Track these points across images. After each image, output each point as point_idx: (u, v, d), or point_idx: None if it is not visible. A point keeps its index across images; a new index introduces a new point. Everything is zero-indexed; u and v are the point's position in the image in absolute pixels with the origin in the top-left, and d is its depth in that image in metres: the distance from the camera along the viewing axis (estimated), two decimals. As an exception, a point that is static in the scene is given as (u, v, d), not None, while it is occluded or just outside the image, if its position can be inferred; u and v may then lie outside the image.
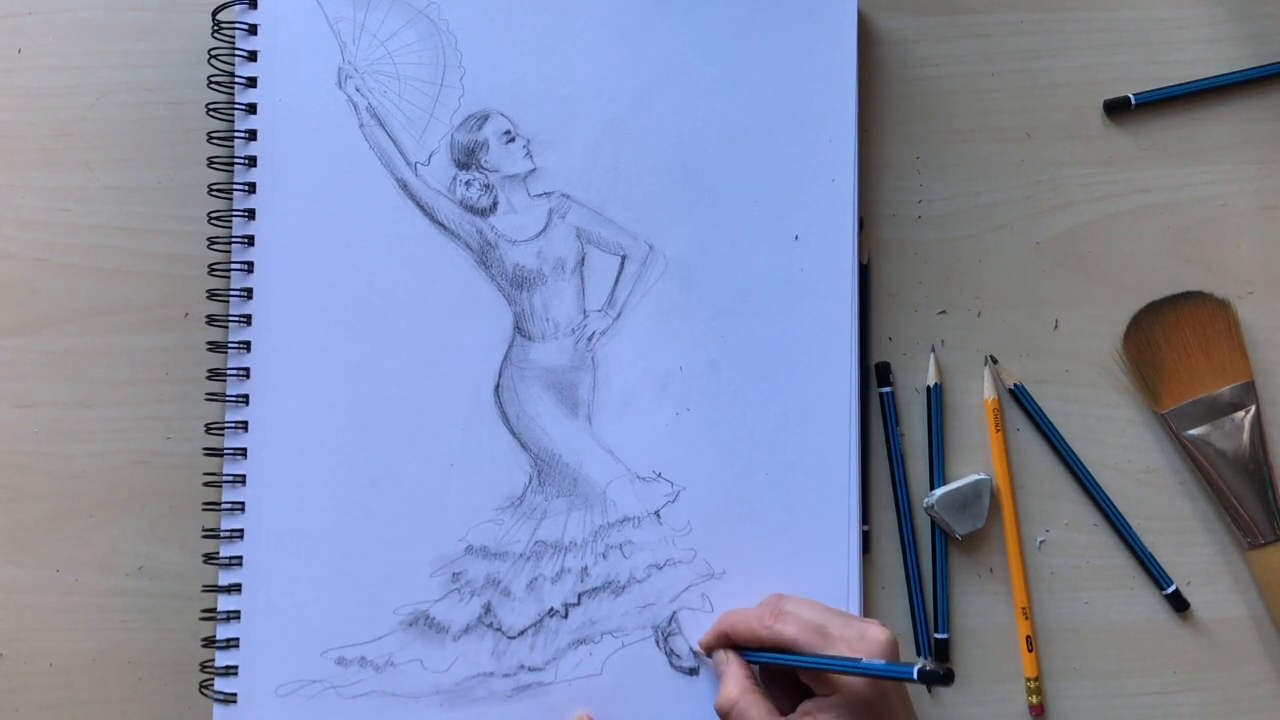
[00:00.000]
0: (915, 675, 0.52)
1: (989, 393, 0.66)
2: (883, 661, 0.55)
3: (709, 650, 0.62)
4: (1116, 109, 0.67)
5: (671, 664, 0.64)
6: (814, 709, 0.56)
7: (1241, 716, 0.65)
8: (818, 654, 0.56)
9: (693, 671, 0.64)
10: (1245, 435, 0.65)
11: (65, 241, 0.67)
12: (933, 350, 0.67)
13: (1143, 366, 0.66)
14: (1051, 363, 0.67)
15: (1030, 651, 0.65)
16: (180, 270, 0.66)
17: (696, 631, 0.64)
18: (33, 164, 0.67)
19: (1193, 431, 0.65)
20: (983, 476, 0.65)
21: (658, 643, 0.64)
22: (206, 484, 0.65)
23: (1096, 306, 0.67)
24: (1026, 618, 0.65)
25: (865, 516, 0.65)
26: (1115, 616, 0.66)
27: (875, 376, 0.66)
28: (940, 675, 0.51)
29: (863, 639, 0.56)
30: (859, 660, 0.55)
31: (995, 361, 0.66)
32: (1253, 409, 0.65)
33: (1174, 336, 0.65)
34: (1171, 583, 0.65)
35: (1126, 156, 0.68)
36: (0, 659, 0.65)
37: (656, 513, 0.64)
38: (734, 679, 0.59)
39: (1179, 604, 0.65)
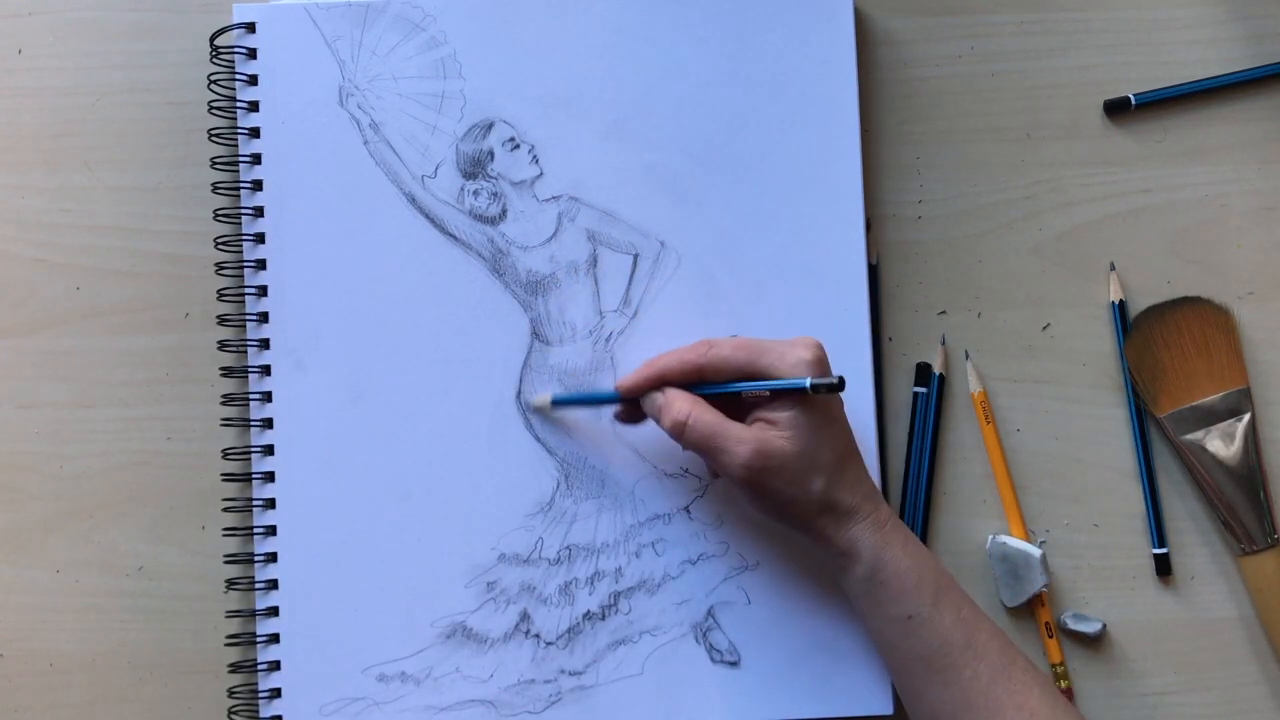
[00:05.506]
0: (808, 387, 0.56)
1: (974, 386, 0.66)
2: (806, 378, 0.57)
3: (638, 393, 0.60)
4: (1116, 109, 0.67)
5: (712, 659, 0.64)
6: (766, 411, 0.57)
7: (1241, 717, 0.65)
8: (752, 370, 0.58)
9: (734, 665, 0.64)
10: (1240, 442, 0.65)
11: (65, 241, 0.66)
12: (942, 342, 0.67)
13: (1142, 369, 0.66)
14: (1051, 363, 0.67)
15: (1050, 638, 0.65)
16: (180, 270, 0.66)
17: (735, 625, 0.64)
18: (33, 164, 0.67)
19: (1189, 436, 0.65)
20: (1036, 551, 0.64)
21: (696, 638, 0.64)
22: (227, 508, 0.65)
23: (1096, 307, 0.67)
24: (1044, 604, 0.65)
25: None
26: (1115, 616, 0.66)
27: (915, 376, 0.66)
28: (832, 385, 0.56)
29: (787, 357, 0.57)
30: (778, 381, 0.57)
31: (968, 357, 0.67)
32: (1247, 416, 0.65)
33: (1174, 341, 0.65)
34: (1165, 546, 0.66)
35: (1126, 156, 0.68)
36: (0, 659, 0.65)
37: (686, 508, 0.65)
38: (678, 398, 0.59)
39: (1163, 568, 0.66)
